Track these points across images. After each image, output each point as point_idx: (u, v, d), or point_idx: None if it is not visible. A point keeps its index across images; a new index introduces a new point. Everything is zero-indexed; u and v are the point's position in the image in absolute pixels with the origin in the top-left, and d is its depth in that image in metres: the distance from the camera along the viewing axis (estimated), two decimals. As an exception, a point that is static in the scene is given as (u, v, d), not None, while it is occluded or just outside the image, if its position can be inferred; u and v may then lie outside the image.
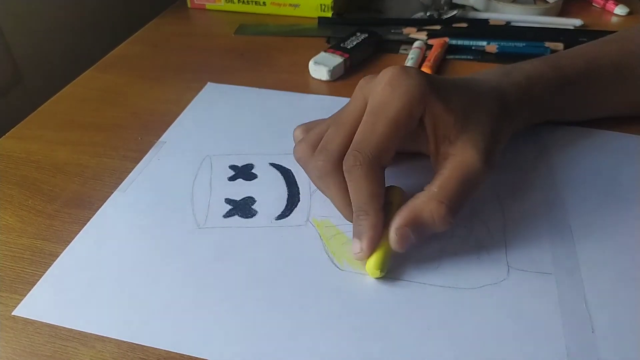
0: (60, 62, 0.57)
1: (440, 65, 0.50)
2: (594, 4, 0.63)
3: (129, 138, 0.41)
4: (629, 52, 0.39)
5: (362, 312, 0.27)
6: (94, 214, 0.34)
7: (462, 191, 0.28)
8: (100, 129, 0.42)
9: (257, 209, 0.34)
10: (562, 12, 0.60)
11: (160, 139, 0.40)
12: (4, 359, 0.26)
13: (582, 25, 0.57)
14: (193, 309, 0.28)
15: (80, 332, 0.27)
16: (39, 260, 0.31)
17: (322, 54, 0.49)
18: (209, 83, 0.47)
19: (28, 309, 0.28)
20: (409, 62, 0.49)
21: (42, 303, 0.28)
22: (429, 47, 0.52)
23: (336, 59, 0.48)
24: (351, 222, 0.30)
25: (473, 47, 0.52)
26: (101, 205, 0.34)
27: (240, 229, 0.32)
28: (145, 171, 0.37)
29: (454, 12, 0.59)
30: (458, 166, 0.29)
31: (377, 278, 0.29)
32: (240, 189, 0.35)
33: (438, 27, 0.55)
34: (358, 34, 0.52)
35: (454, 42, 0.52)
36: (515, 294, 0.28)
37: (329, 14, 0.60)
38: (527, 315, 0.27)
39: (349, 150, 0.29)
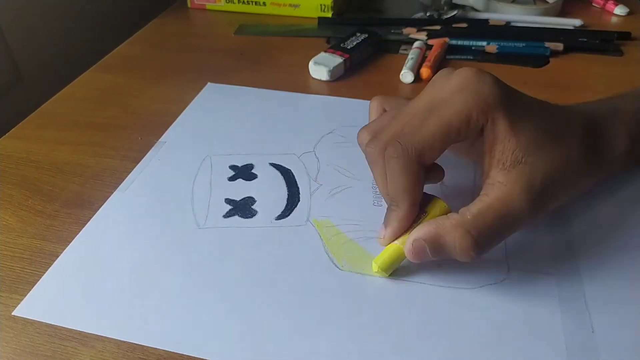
0: (60, 62, 0.57)
1: (440, 65, 0.50)
2: (593, 4, 0.63)
3: (129, 138, 0.41)
4: None
5: (362, 312, 0.27)
6: (94, 214, 0.34)
7: (496, 229, 0.26)
8: (100, 129, 0.42)
9: (257, 209, 0.34)
10: (562, 12, 0.60)
11: (160, 139, 0.40)
12: (4, 358, 0.26)
13: (582, 25, 0.57)
14: (193, 309, 0.28)
15: (80, 332, 0.27)
16: (39, 260, 0.31)
17: (322, 54, 0.49)
18: (209, 83, 0.47)
19: (28, 309, 0.28)
20: (408, 62, 0.49)
21: (42, 303, 0.28)
22: (429, 47, 0.52)
23: (336, 59, 0.48)
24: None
25: (473, 47, 0.52)
26: (101, 205, 0.34)
27: (240, 229, 0.32)
28: (146, 171, 0.37)
29: (454, 12, 0.59)
30: (501, 200, 0.26)
31: (380, 275, 0.29)
32: (240, 189, 0.35)
33: (438, 27, 0.55)
34: (358, 34, 0.52)
35: (454, 42, 0.52)
36: (515, 294, 0.28)
37: (329, 14, 0.60)
38: (527, 315, 0.27)
39: (394, 139, 0.28)
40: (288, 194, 0.35)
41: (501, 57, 0.51)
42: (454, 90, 0.27)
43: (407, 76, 0.47)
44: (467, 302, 0.28)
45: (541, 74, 0.49)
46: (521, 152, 0.26)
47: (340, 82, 0.48)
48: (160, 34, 0.58)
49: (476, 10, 0.60)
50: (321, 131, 0.40)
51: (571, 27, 0.56)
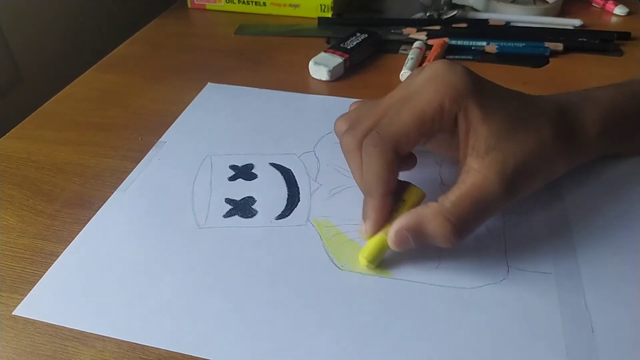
0: (60, 62, 0.57)
1: (440, 65, 0.50)
2: (593, 4, 0.63)
3: (130, 138, 0.41)
4: None
5: (362, 312, 0.27)
6: (94, 214, 0.34)
7: (474, 214, 0.27)
8: (100, 129, 0.42)
9: (257, 208, 0.34)
10: (561, 12, 0.60)
11: (160, 139, 0.40)
12: (4, 358, 0.26)
13: (581, 26, 0.57)
14: (193, 309, 0.28)
15: (80, 332, 0.27)
16: (40, 260, 0.31)
17: (322, 54, 0.49)
18: (209, 83, 0.47)
19: (28, 309, 0.28)
20: (408, 63, 0.49)
21: (42, 303, 0.28)
22: (429, 47, 0.52)
23: (336, 59, 0.48)
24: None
25: (473, 47, 0.53)
26: (101, 205, 0.34)
27: (241, 228, 0.32)
28: (146, 171, 0.37)
29: (454, 13, 0.59)
30: (477, 186, 0.27)
31: (368, 267, 0.29)
32: (241, 189, 0.35)
33: (438, 28, 0.55)
34: (358, 34, 0.52)
35: (453, 42, 0.52)
36: (515, 294, 0.28)
37: (329, 14, 0.60)
38: (527, 315, 0.27)
39: (371, 129, 0.29)
40: (288, 194, 0.35)
41: (501, 57, 0.51)
42: (426, 81, 0.28)
43: (407, 76, 0.47)
44: (467, 302, 0.28)
45: (541, 74, 0.49)
46: (493, 139, 0.27)
47: (340, 82, 0.48)
48: (160, 34, 0.58)
49: (476, 10, 0.61)
50: (321, 131, 0.40)
51: (571, 27, 0.56)
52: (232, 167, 0.37)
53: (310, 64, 0.48)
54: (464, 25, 0.56)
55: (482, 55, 0.52)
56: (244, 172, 0.37)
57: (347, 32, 0.52)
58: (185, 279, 0.29)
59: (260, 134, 0.41)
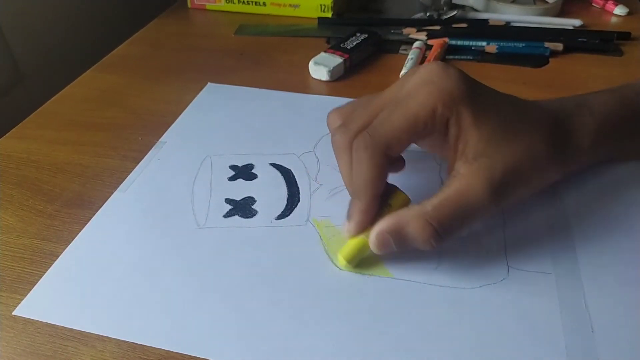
0: (60, 62, 0.57)
1: (440, 65, 0.50)
2: (593, 4, 0.63)
3: (130, 138, 0.41)
4: None
5: (361, 312, 0.27)
6: (94, 214, 0.34)
7: (456, 219, 0.27)
8: (100, 129, 0.42)
9: (257, 208, 0.34)
10: (561, 13, 0.60)
11: (160, 139, 0.40)
12: (4, 358, 0.26)
13: (581, 26, 0.57)
14: (193, 309, 0.28)
15: (80, 332, 0.27)
16: (40, 260, 0.31)
17: (322, 54, 0.49)
18: (209, 83, 0.47)
19: (28, 309, 0.28)
20: (408, 63, 0.49)
21: (42, 303, 0.28)
22: (429, 47, 0.52)
23: (336, 60, 0.48)
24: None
25: (473, 48, 0.53)
26: (101, 205, 0.34)
27: (240, 229, 0.32)
28: (146, 171, 0.37)
29: (454, 13, 0.59)
30: (461, 192, 0.27)
31: (345, 268, 0.29)
32: (240, 189, 0.35)
33: (438, 28, 0.55)
34: (358, 34, 0.52)
35: (453, 42, 0.52)
36: (514, 294, 0.28)
37: (329, 15, 0.60)
38: (527, 315, 0.27)
39: (363, 130, 0.28)
40: (288, 194, 0.35)
41: (501, 57, 0.51)
42: (420, 83, 0.28)
43: None
44: (467, 302, 0.28)
45: (541, 74, 0.49)
46: (483, 145, 0.27)
47: (340, 82, 0.48)
48: (160, 34, 0.58)
49: (476, 10, 0.60)
50: (321, 131, 0.40)
51: (571, 27, 0.56)
52: (232, 167, 0.37)
53: (310, 64, 0.48)
54: (464, 25, 0.56)
55: (482, 56, 0.52)
56: (244, 172, 0.37)
57: (347, 32, 0.52)
58: (185, 279, 0.29)
59: (260, 134, 0.41)
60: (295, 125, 0.41)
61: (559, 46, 0.51)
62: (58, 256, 0.31)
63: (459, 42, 0.53)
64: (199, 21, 0.62)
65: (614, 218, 0.32)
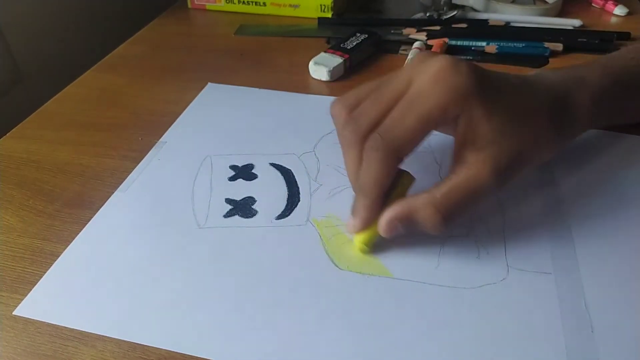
0: (60, 62, 0.57)
1: (440, 65, 0.50)
2: (593, 5, 0.63)
3: (130, 138, 0.41)
4: None
5: (361, 312, 0.27)
6: (94, 214, 0.34)
7: (463, 205, 0.28)
8: (100, 129, 0.42)
9: (257, 208, 0.34)
10: (561, 13, 0.60)
11: (160, 139, 0.40)
12: (5, 358, 0.26)
13: (581, 26, 0.57)
14: (193, 309, 0.28)
15: (81, 332, 0.27)
16: (40, 260, 0.31)
17: (322, 54, 0.49)
18: (209, 83, 0.48)
19: (29, 309, 0.28)
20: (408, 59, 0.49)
21: (42, 303, 0.28)
22: (429, 47, 0.52)
23: (336, 60, 0.48)
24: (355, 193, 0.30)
25: (472, 48, 0.53)
26: (102, 205, 0.34)
27: (241, 228, 0.32)
28: (146, 171, 0.37)
29: (454, 13, 0.59)
30: (470, 179, 0.28)
31: (363, 252, 0.30)
32: (241, 189, 0.35)
33: (437, 28, 0.55)
34: (358, 34, 0.52)
35: (453, 42, 0.52)
36: (514, 294, 0.28)
37: (329, 15, 0.60)
38: (527, 315, 0.27)
39: (375, 130, 0.28)
40: (288, 194, 0.35)
41: (501, 58, 0.51)
42: (432, 81, 0.28)
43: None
44: (467, 302, 0.28)
45: (541, 74, 0.49)
46: (492, 134, 0.28)
47: (340, 83, 0.48)
48: (160, 34, 0.58)
49: (476, 10, 0.61)
50: (321, 131, 0.40)
51: (571, 27, 0.56)
52: (232, 167, 0.37)
53: (310, 64, 0.48)
54: (464, 25, 0.56)
55: (482, 56, 0.52)
56: (244, 172, 0.37)
57: (347, 33, 0.52)
58: (186, 279, 0.29)
59: (261, 134, 0.41)
60: (295, 125, 0.41)
61: (559, 46, 0.51)
62: (58, 256, 0.31)
63: (459, 43, 0.53)
64: (199, 21, 0.62)
65: (614, 218, 0.32)
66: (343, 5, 0.61)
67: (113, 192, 0.35)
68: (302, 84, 0.47)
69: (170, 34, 0.58)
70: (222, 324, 0.27)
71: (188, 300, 0.28)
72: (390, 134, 0.28)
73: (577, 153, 0.38)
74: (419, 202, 0.28)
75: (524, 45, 0.51)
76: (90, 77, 0.50)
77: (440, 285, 0.29)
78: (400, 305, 0.28)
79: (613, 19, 0.60)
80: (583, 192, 0.34)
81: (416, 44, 0.52)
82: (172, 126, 0.42)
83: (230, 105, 0.44)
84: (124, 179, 0.36)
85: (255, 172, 0.37)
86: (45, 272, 0.30)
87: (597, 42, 0.53)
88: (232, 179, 0.36)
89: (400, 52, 0.53)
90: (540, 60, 0.50)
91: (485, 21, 0.58)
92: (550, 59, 0.51)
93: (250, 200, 0.34)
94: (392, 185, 0.30)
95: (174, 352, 0.26)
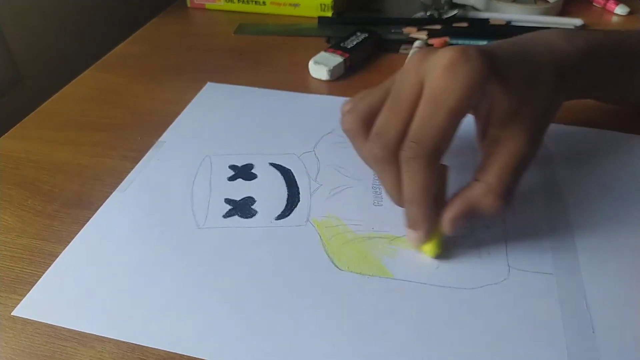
0: (60, 62, 0.57)
1: (441, 64, 0.50)
2: (594, 4, 0.63)
3: (129, 138, 0.41)
4: None
5: (361, 312, 0.27)
6: (93, 214, 0.34)
7: (516, 180, 0.29)
8: (100, 128, 0.42)
9: (257, 209, 0.34)
10: (562, 12, 0.60)
11: (160, 139, 0.40)
12: (3, 359, 0.26)
13: (582, 25, 0.56)
14: (193, 309, 0.27)
15: (79, 332, 0.27)
16: (39, 260, 0.31)
17: (322, 53, 0.49)
18: (208, 83, 0.47)
19: (27, 309, 0.28)
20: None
21: (41, 303, 0.28)
22: (429, 46, 0.52)
23: (336, 59, 0.48)
24: (400, 206, 0.30)
25: (473, 47, 0.52)
26: (101, 205, 0.34)
27: (240, 229, 0.32)
28: (145, 171, 0.37)
29: (455, 12, 0.59)
30: (513, 154, 0.28)
31: (436, 256, 0.30)
32: (240, 189, 0.35)
33: (438, 27, 0.55)
34: (358, 33, 0.52)
35: (454, 41, 0.52)
36: (515, 294, 0.28)
37: (329, 14, 0.59)
38: (528, 316, 0.27)
39: (406, 139, 0.27)
40: (288, 194, 0.35)
41: (501, 57, 0.51)
42: (448, 74, 0.27)
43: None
44: (467, 302, 0.28)
45: (541, 73, 0.49)
46: (515, 105, 0.29)
47: (340, 82, 0.48)
48: (159, 33, 0.58)
49: (477, 9, 0.60)
50: (321, 131, 0.40)
51: (572, 27, 0.56)
52: (232, 167, 0.37)
53: (310, 63, 0.48)
54: (465, 24, 0.56)
55: (482, 55, 0.51)
56: (244, 172, 0.37)
57: (347, 32, 0.52)
58: (185, 279, 0.29)
59: (260, 134, 0.41)
60: (295, 125, 0.41)
61: (560, 45, 0.51)
62: (57, 256, 0.31)
63: (460, 42, 0.52)
64: (199, 20, 0.62)
65: (614, 218, 0.32)
66: (343, 4, 0.61)
67: (112, 192, 0.35)
68: (302, 84, 0.47)
69: (170, 33, 0.58)
70: (221, 325, 0.27)
71: (187, 301, 0.28)
72: (426, 138, 0.27)
73: (578, 153, 0.38)
74: (477, 193, 0.28)
75: (524, 44, 0.51)
76: (89, 77, 0.50)
77: (440, 285, 0.28)
78: (400, 305, 0.27)
79: (614, 19, 0.60)
80: (584, 192, 0.34)
81: (417, 43, 0.52)
82: (171, 126, 0.42)
83: (230, 105, 0.44)
84: (123, 179, 0.36)
85: (255, 172, 0.37)
86: (43, 273, 0.30)
87: (598, 41, 0.52)
88: (231, 178, 0.36)
89: (400, 51, 0.53)
90: (541, 59, 0.50)
91: (486, 20, 0.58)
92: (551, 58, 0.50)
93: (249, 201, 0.34)
94: None
95: (172, 352, 0.26)
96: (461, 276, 0.29)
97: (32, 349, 0.26)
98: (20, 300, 0.28)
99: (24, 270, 0.30)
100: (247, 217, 0.33)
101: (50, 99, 0.46)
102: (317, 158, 0.38)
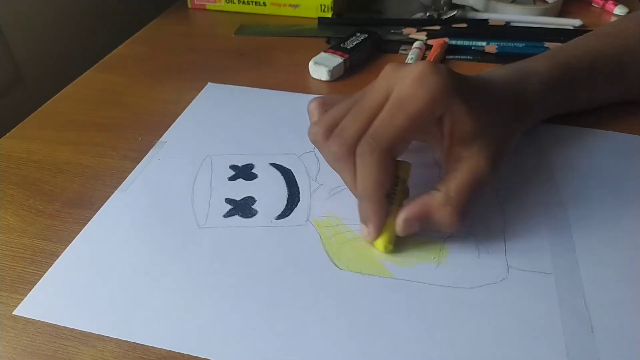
0: (60, 62, 0.57)
1: (440, 65, 0.50)
2: (593, 4, 0.63)
3: (130, 138, 0.41)
4: (625, 49, 0.41)
5: (361, 312, 0.27)
6: (94, 214, 0.34)
7: (473, 198, 0.29)
8: (100, 129, 0.42)
9: (257, 208, 0.34)
10: (561, 12, 0.60)
11: (160, 139, 0.40)
12: (5, 358, 0.26)
13: (581, 26, 0.57)
14: (193, 309, 0.28)
15: (81, 332, 0.27)
16: (40, 260, 0.31)
17: (322, 54, 0.49)
18: (209, 83, 0.48)
19: (29, 309, 0.28)
20: (408, 63, 0.49)
21: (42, 303, 0.28)
22: (429, 47, 0.52)
23: (336, 59, 0.48)
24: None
25: (472, 48, 0.53)
26: (102, 205, 0.34)
27: (241, 228, 0.32)
28: (146, 171, 0.37)
29: (454, 13, 0.59)
30: (472, 172, 0.29)
31: (388, 252, 0.30)
32: (241, 189, 0.35)
33: (438, 28, 0.55)
34: (358, 34, 0.52)
35: (453, 42, 0.53)
36: (514, 294, 0.28)
37: (329, 15, 0.60)
38: (527, 315, 0.27)
39: (364, 136, 0.29)
40: (288, 194, 0.35)
41: (501, 57, 0.51)
42: (415, 84, 0.29)
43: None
44: (467, 302, 0.28)
45: (541, 74, 0.49)
46: (478, 128, 0.30)
47: (340, 82, 0.48)
48: (160, 34, 0.58)
49: (476, 10, 0.61)
50: (321, 131, 0.40)
51: (571, 27, 0.56)
52: (232, 167, 0.37)
53: (310, 64, 0.48)
54: (464, 25, 0.56)
55: (482, 56, 0.52)
56: (244, 172, 0.37)
57: (347, 32, 0.52)
58: (186, 279, 0.29)
59: (260, 134, 0.41)
60: (295, 125, 0.41)
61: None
62: (58, 256, 0.31)
63: (459, 42, 0.53)
64: (199, 21, 0.62)
65: (614, 218, 0.32)
66: (343, 5, 0.61)
67: (113, 192, 0.35)
68: (302, 84, 0.47)
69: (170, 33, 0.58)
70: (222, 324, 0.27)
71: (188, 300, 0.28)
72: (382, 135, 0.29)
73: (577, 153, 0.38)
74: (436, 202, 0.29)
75: (524, 45, 0.51)
76: (90, 77, 0.50)
77: (440, 285, 0.29)
78: (400, 305, 0.28)
79: (613, 19, 0.60)
80: (583, 192, 0.34)
81: (416, 44, 0.52)
82: (172, 126, 0.42)
83: (230, 105, 0.44)
84: (124, 179, 0.36)
85: (255, 172, 0.37)
86: (45, 272, 0.30)
87: (597, 42, 0.53)
88: (232, 178, 0.36)
89: (400, 51, 0.53)
90: (540, 60, 0.50)
91: (485, 21, 0.58)
92: (550, 59, 0.51)
93: (250, 200, 0.34)
94: (395, 177, 0.30)
95: (174, 352, 0.26)
96: (460, 276, 0.29)
97: (34, 348, 0.26)
98: (22, 299, 0.28)
99: (26, 269, 0.30)
100: (247, 217, 0.33)
101: (51, 100, 0.46)
102: (317, 158, 0.38)
